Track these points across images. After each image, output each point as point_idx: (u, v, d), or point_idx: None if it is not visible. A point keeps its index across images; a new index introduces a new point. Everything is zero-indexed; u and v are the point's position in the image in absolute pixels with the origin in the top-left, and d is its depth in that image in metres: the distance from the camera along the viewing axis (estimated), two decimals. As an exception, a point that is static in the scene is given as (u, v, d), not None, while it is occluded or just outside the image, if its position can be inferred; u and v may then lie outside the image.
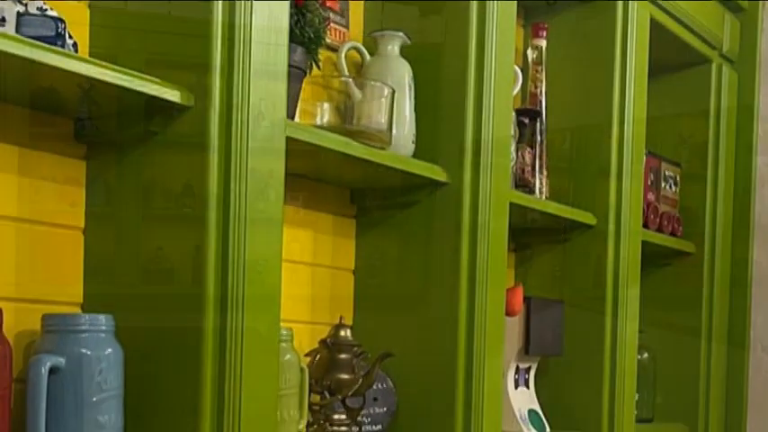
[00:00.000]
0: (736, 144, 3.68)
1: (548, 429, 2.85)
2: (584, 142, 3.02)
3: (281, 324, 1.94)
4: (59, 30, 1.67)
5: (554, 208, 2.83)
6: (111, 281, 1.92)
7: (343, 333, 2.29)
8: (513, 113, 2.65)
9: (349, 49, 2.41)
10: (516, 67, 2.68)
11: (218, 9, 1.78)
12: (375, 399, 2.40)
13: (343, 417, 2.24)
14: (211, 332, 1.78)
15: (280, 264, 1.91)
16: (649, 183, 3.37)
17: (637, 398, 3.15)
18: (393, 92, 2.27)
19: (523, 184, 2.75)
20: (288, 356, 2.04)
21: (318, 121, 2.20)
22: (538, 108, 2.88)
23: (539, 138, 2.86)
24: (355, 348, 2.29)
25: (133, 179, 1.90)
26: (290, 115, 2.04)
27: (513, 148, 2.66)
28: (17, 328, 1.80)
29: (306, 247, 2.44)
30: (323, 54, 2.25)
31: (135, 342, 1.81)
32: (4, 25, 1.63)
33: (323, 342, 2.29)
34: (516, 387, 2.80)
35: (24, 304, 1.83)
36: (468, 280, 2.40)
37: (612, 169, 2.98)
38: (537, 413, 2.83)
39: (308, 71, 2.15)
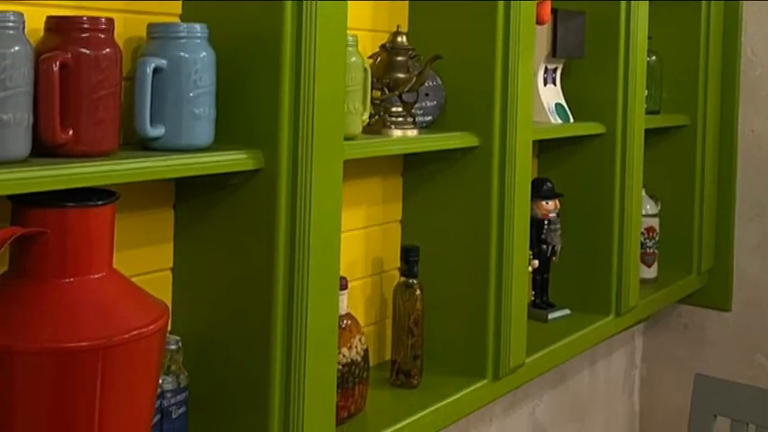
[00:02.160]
0: None
1: (571, 119, 2.82)
2: None
3: (348, 32, 1.89)
4: None
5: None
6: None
7: (400, 39, 2.23)
8: None
9: None
10: None
11: None
12: (426, 94, 2.37)
13: (400, 109, 2.21)
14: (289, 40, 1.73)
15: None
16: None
17: (646, 93, 3.11)
18: None
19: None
20: (353, 59, 1.99)
21: None
22: None
23: None
24: (410, 52, 2.23)
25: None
26: None
27: None
28: (126, 35, 1.75)
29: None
30: None
31: (225, 47, 1.77)
32: None
33: (383, 46, 2.24)
34: (545, 84, 2.75)
35: (132, 15, 1.78)
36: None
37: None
38: (562, 106, 2.80)
39: None
